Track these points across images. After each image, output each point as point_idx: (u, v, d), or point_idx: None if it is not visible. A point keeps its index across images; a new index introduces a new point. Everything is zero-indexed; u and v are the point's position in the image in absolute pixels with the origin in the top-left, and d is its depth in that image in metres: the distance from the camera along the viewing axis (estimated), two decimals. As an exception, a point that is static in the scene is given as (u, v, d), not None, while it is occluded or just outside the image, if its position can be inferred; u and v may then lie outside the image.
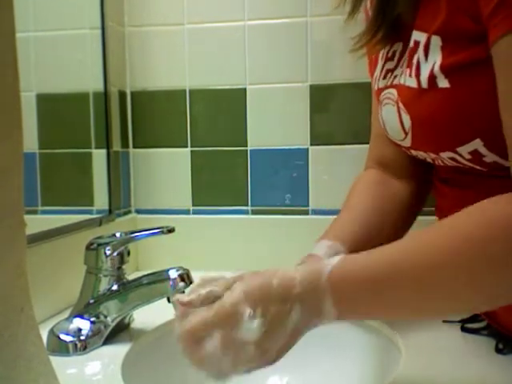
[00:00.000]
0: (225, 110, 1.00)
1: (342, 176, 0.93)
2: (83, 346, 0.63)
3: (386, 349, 0.68)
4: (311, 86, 0.97)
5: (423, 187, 0.70)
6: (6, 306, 0.36)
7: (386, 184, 0.70)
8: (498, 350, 0.59)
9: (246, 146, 1.00)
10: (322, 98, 0.97)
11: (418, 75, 0.52)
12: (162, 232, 0.67)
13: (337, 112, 0.97)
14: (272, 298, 0.45)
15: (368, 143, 0.95)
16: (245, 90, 0.99)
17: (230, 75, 0.99)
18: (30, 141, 0.75)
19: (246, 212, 1.01)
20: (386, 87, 0.60)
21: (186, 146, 1.01)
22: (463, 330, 0.66)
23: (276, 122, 0.99)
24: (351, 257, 0.48)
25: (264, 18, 0.97)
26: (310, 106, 0.97)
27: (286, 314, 0.45)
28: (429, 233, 0.46)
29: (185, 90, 1.00)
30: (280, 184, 0.99)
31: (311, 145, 0.98)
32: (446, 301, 0.45)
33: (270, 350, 0.46)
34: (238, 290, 0.46)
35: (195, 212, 1.02)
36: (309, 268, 0.47)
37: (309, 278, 0.46)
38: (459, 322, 0.67)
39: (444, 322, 0.68)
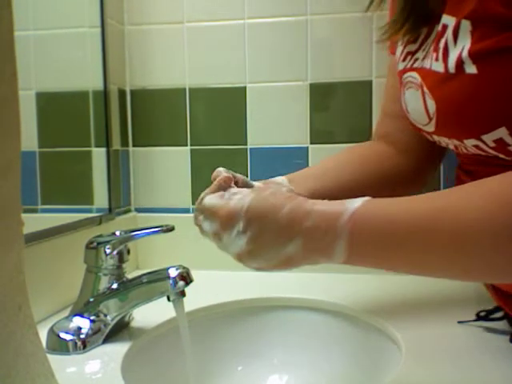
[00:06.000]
0: (224, 108, 1.00)
1: (342, 174, 0.93)
2: (83, 344, 0.63)
3: (387, 347, 0.68)
4: (311, 85, 0.97)
5: (424, 169, 0.70)
6: (4, 305, 0.36)
7: (382, 152, 0.71)
8: None
9: (246, 145, 0.99)
10: (321, 96, 0.97)
11: (445, 60, 0.51)
12: (162, 230, 0.67)
13: (337, 111, 0.97)
14: (273, 223, 0.46)
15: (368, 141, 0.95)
16: (245, 88, 0.99)
17: (229, 74, 0.99)
18: (30, 139, 0.75)
19: (246, 211, 1.00)
20: (406, 70, 0.60)
21: (186, 145, 1.01)
22: (479, 318, 0.65)
23: (276, 121, 0.99)
24: (374, 202, 0.46)
25: (264, 16, 0.97)
26: (309, 105, 0.97)
27: (283, 241, 0.45)
28: (461, 194, 0.44)
29: (184, 89, 1.00)
30: (280, 182, 0.99)
31: (311, 143, 0.98)
32: (473, 267, 0.43)
33: (251, 265, 0.48)
34: (246, 199, 0.48)
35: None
36: (328, 206, 0.46)
37: (326, 215, 0.45)
38: (476, 319, 0.66)
39: (459, 322, 0.67)
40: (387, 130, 0.72)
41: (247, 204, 0.47)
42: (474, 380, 0.54)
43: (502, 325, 0.65)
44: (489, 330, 0.65)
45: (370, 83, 0.95)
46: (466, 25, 0.49)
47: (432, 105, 0.53)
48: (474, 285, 0.87)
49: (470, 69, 0.48)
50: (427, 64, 0.55)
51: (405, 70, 0.60)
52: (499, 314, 0.65)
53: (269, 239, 0.46)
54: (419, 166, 0.71)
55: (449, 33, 0.51)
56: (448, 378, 0.55)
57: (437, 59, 0.52)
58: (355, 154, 0.73)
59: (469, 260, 0.43)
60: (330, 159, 0.72)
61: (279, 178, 0.63)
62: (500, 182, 0.42)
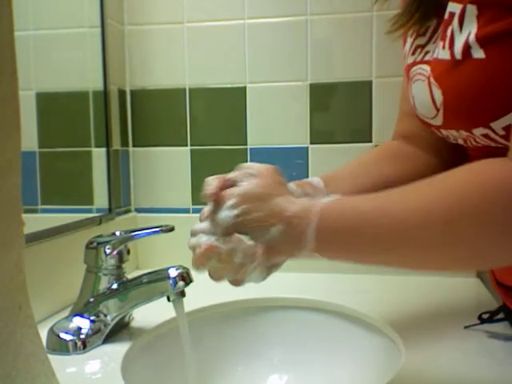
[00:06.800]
0: (224, 108, 1.00)
1: (342, 174, 0.93)
2: (83, 344, 0.63)
3: (386, 348, 0.68)
4: (311, 85, 0.97)
5: (450, 165, 0.70)
6: (5, 305, 0.36)
7: (404, 152, 0.70)
8: None
9: (246, 145, 0.99)
10: (321, 96, 0.97)
11: (451, 47, 0.51)
12: (162, 231, 0.67)
13: (337, 111, 0.97)
14: (262, 208, 0.50)
15: (368, 142, 0.95)
16: (245, 88, 0.99)
17: (229, 74, 0.99)
18: (30, 140, 0.75)
19: (245, 211, 1.00)
20: (415, 63, 0.59)
21: (186, 145, 1.01)
22: (483, 320, 0.65)
23: (276, 121, 0.99)
24: (347, 197, 0.50)
25: (264, 16, 0.97)
26: (309, 105, 0.97)
27: (268, 225, 0.49)
28: (421, 189, 0.47)
29: (184, 89, 1.00)
30: (280, 183, 0.99)
31: (311, 143, 0.98)
32: (430, 255, 0.46)
33: (238, 254, 0.50)
34: (242, 187, 0.52)
35: (195, 211, 1.02)
36: (306, 200, 0.51)
37: (303, 206, 0.49)
38: (481, 323, 0.65)
39: (466, 327, 0.66)
40: (409, 129, 0.71)
41: (244, 188, 0.51)
42: (473, 381, 0.54)
43: (503, 326, 0.65)
44: (489, 331, 0.65)
45: (369, 83, 0.95)
46: (471, 9, 0.48)
47: (439, 95, 0.53)
48: (475, 285, 0.87)
49: (478, 53, 0.48)
50: (435, 54, 0.54)
51: (414, 63, 0.59)
52: (502, 315, 0.65)
53: (256, 219, 0.49)
54: (446, 165, 0.70)
55: (455, 20, 0.50)
56: (448, 378, 0.55)
57: (443, 47, 0.52)
58: (387, 154, 0.72)
59: (426, 255, 0.47)
60: (363, 158, 0.73)
61: (315, 179, 0.64)
62: (459, 179, 0.46)
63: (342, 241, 0.48)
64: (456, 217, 0.44)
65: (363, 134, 0.96)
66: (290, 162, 0.98)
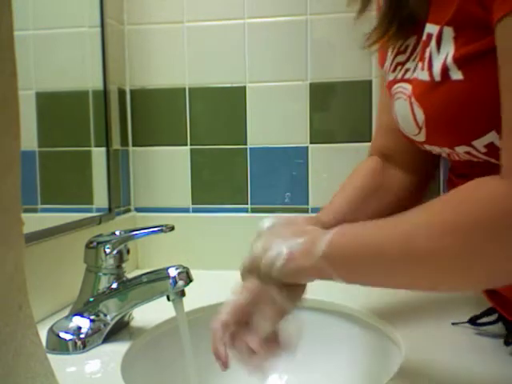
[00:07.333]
0: (224, 108, 1.00)
1: (342, 174, 0.93)
2: (83, 344, 0.63)
3: (386, 347, 0.68)
4: (311, 85, 0.97)
5: (425, 181, 0.70)
6: (4, 305, 0.36)
7: (382, 172, 0.70)
8: (507, 343, 0.59)
9: (246, 145, 1.00)
10: (321, 96, 0.97)
11: (430, 68, 0.51)
12: (162, 230, 0.67)
13: (336, 110, 0.97)
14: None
15: (368, 141, 0.95)
16: (244, 88, 0.99)
17: (229, 73, 0.99)
18: (30, 139, 0.75)
19: (245, 210, 1.01)
20: (396, 81, 0.60)
21: (186, 145, 1.01)
22: (473, 323, 0.65)
23: (276, 121, 0.99)
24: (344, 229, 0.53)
25: (264, 16, 0.97)
26: (309, 105, 0.97)
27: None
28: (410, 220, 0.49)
29: (184, 88, 1.00)
30: (280, 182, 0.99)
31: (311, 143, 0.98)
32: (439, 275, 0.46)
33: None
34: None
35: (195, 210, 1.02)
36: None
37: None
38: (469, 321, 0.66)
39: (453, 324, 0.67)
40: (387, 146, 0.71)
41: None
42: (473, 380, 0.54)
43: (498, 327, 0.65)
44: (487, 332, 0.65)
45: (369, 83, 0.95)
46: (448, 31, 0.49)
47: (420, 114, 0.54)
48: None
49: (456, 75, 0.48)
50: (416, 73, 0.55)
51: (395, 81, 0.60)
52: (491, 318, 0.65)
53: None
54: (421, 178, 0.70)
55: (433, 41, 0.51)
56: (447, 378, 0.55)
57: (422, 68, 0.53)
58: (370, 188, 0.71)
59: (436, 276, 0.47)
60: (345, 193, 0.71)
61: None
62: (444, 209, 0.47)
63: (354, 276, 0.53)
64: (462, 234, 0.43)
65: (363, 134, 0.96)
66: (290, 162, 0.98)
